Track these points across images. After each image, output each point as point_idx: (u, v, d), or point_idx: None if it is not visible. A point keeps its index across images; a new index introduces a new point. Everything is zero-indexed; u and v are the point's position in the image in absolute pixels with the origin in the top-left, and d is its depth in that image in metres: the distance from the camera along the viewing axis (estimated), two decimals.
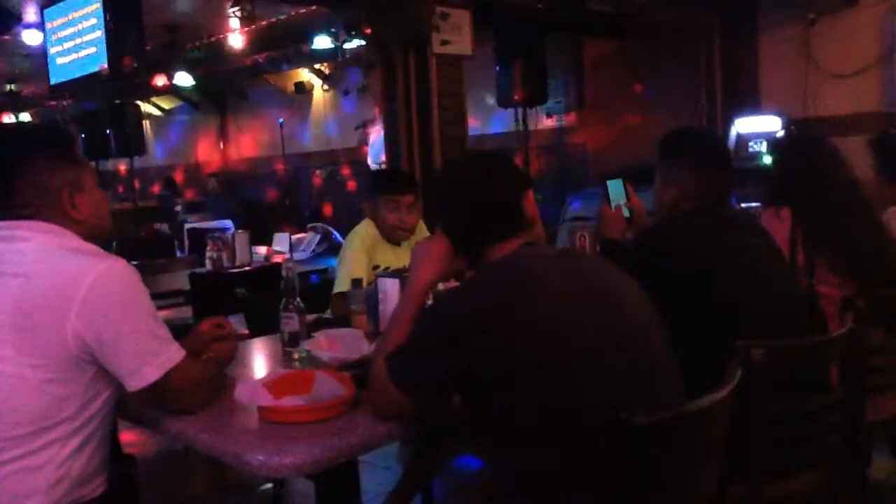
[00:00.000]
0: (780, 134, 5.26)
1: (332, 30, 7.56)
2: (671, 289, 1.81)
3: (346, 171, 10.07)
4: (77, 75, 8.09)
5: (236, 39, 8.85)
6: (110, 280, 1.55)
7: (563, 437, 1.36)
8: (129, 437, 2.80)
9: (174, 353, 1.61)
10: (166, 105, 12.22)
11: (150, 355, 1.57)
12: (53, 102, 11.35)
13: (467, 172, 1.66)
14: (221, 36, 9.24)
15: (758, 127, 5.65)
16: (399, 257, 2.93)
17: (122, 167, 11.45)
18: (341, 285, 2.81)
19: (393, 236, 3.02)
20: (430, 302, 1.71)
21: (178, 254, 6.91)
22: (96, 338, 1.52)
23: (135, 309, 1.58)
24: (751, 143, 5.63)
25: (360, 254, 2.95)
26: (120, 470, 1.86)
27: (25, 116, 12.65)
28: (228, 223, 7.59)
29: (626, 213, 2.44)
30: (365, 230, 3.05)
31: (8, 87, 12.25)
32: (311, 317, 2.25)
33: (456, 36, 5.14)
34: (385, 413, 1.57)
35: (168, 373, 1.58)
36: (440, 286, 1.83)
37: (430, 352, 1.46)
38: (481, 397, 1.43)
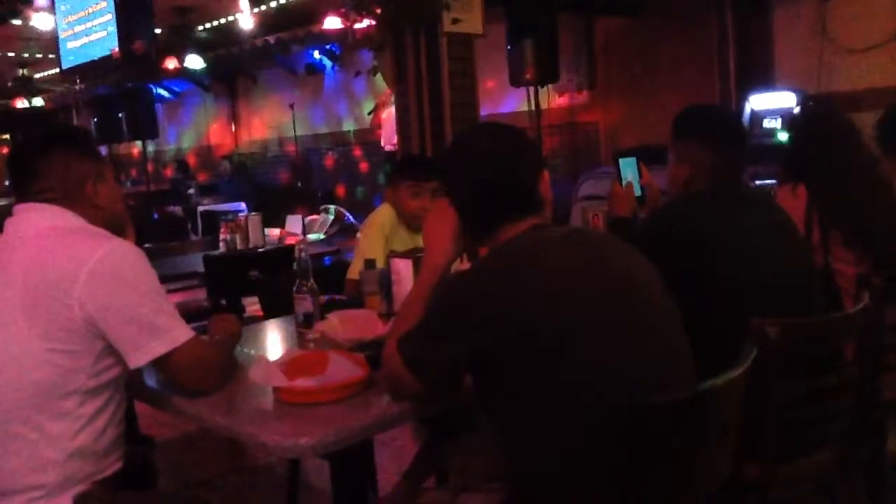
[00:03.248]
0: (796, 110, 5.20)
1: (342, 10, 7.52)
2: (684, 268, 1.80)
3: (357, 152, 10.06)
4: (88, 59, 8.11)
5: (246, 21, 8.83)
6: (117, 256, 1.59)
7: (574, 418, 1.36)
8: (147, 420, 2.83)
9: (181, 332, 1.63)
10: (178, 88, 12.23)
11: (156, 331, 1.59)
12: (65, 87, 11.40)
13: (486, 146, 1.58)
14: (231, 18, 9.23)
15: (772, 103, 5.59)
16: (417, 244, 2.88)
17: (136, 150, 11.50)
18: (355, 271, 2.73)
19: (413, 223, 2.93)
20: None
21: (192, 236, 6.95)
22: (101, 311, 1.55)
23: (141, 285, 1.61)
24: (765, 120, 5.57)
25: (378, 238, 2.90)
26: (138, 450, 1.89)
27: (38, 101, 12.70)
28: (241, 205, 7.62)
29: (637, 191, 2.42)
30: (383, 215, 2.99)
31: (20, 71, 12.31)
32: (324, 298, 2.25)
33: (466, 14, 5.09)
34: (398, 394, 1.57)
35: (174, 350, 1.60)
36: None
37: (440, 335, 1.46)
38: (492, 379, 1.44)
